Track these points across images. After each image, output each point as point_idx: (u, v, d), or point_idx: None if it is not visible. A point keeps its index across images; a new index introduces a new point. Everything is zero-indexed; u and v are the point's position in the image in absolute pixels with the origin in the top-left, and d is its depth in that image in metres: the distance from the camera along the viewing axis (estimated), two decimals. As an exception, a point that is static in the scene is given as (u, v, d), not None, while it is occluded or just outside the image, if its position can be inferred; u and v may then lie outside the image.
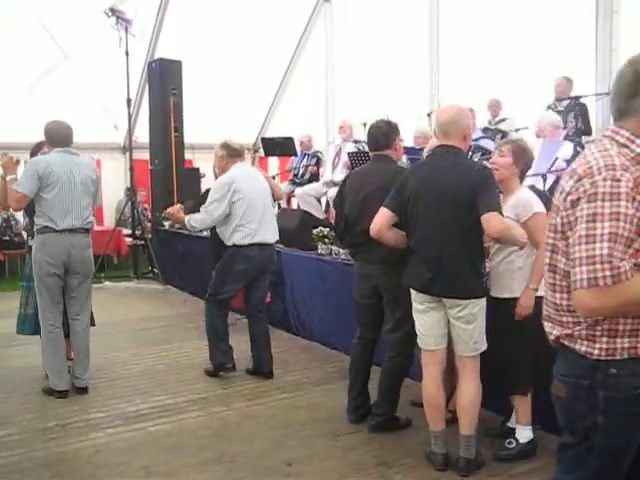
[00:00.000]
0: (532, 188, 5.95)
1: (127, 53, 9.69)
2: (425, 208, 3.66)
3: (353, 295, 4.59)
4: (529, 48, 8.74)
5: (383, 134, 4.36)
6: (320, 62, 12.60)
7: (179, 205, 5.91)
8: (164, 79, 10.10)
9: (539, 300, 3.68)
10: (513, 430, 4.08)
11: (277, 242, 5.66)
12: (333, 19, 12.42)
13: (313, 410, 4.76)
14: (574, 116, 6.92)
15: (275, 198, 5.81)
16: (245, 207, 5.25)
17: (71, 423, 4.54)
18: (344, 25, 12.12)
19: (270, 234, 5.44)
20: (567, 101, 6.94)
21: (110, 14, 9.48)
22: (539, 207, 3.77)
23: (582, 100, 5.99)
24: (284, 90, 13.42)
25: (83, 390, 5.11)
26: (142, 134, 11.08)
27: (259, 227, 5.31)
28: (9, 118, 10.24)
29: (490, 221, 3.45)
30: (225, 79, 11.75)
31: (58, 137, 5.00)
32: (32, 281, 5.07)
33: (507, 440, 3.95)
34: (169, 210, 5.78)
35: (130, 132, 10.73)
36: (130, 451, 4.10)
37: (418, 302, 3.79)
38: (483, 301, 3.67)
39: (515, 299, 3.76)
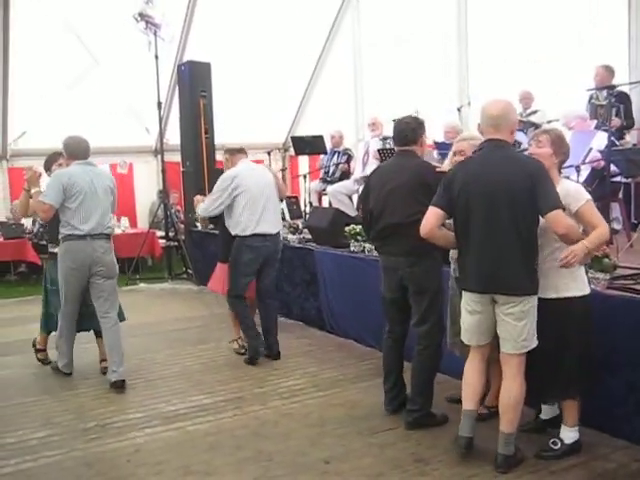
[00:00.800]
0: (563, 180, 5.91)
1: (157, 57, 9.78)
2: (477, 204, 3.60)
3: (380, 290, 4.60)
4: (559, 39, 8.64)
5: (411, 129, 4.36)
6: (348, 59, 12.58)
7: (200, 196, 6.37)
8: (193, 81, 10.17)
9: (585, 299, 3.68)
10: (548, 423, 4.07)
11: (278, 233, 6.03)
12: (360, 15, 12.39)
13: (349, 407, 4.76)
14: (616, 113, 6.77)
15: (280, 197, 6.21)
16: (247, 200, 5.70)
17: (110, 423, 4.60)
18: (372, 21, 12.08)
19: (271, 225, 5.86)
20: (605, 93, 6.76)
21: (139, 19, 9.58)
22: (587, 195, 3.69)
23: (619, 89, 5.85)
24: (313, 88, 13.43)
25: (121, 384, 5.28)
26: (173, 136, 11.18)
27: (260, 219, 5.75)
28: (42, 125, 10.44)
29: (557, 219, 3.44)
30: (254, 79, 11.82)
31: (78, 151, 5.32)
32: (55, 284, 5.51)
33: (551, 440, 3.87)
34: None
35: (161, 135, 10.84)
36: (169, 450, 4.14)
37: (468, 302, 3.76)
38: (535, 298, 3.61)
39: (562, 299, 3.67)
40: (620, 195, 6.53)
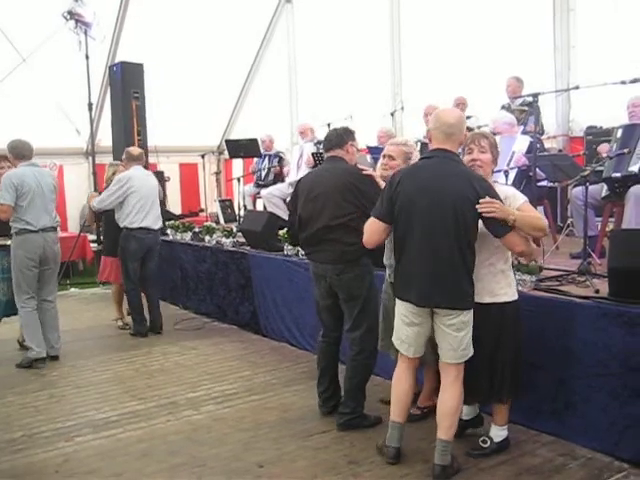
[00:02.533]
0: (494, 183, 6.07)
1: (87, 57, 9.59)
2: (421, 216, 3.54)
3: (314, 294, 4.63)
4: (488, 46, 8.87)
5: (337, 135, 4.42)
6: (283, 63, 12.60)
7: (95, 192, 7.60)
8: (126, 82, 10.00)
9: (517, 304, 3.76)
10: (469, 423, 4.12)
11: (161, 229, 7.33)
12: (295, 19, 12.43)
13: (283, 411, 4.76)
14: (534, 120, 7.02)
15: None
16: (137, 199, 6.79)
17: (38, 433, 4.47)
18: (306, 25, 12.14)
19: (154, 222, 6.97)
20: (521, 100, 7.02)
21: (68, 17, 9.37)
22: (524, 196, 3.75)
23: (541, 97, 6.06)
24: (248, 91, 13.40)
25: (56, 358, 6.02)
26: (105, 138, 10.98)
27: (146, 216, 6.86)
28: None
29: (513, 240, 3.52)
30: (188, 81, 11.70)
31: (24, 152, 5.88)
32: (6, 273, 6.08)
33: (481, 439, 3.95)
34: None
35: (92, 136, 10.62)
36: (100, 459, 4.05)
37: (406, 314, 3.70)
38: (472, 309, 3.64)
39: (498, 304, 3.70)
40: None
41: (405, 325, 3.71)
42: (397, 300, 3.75)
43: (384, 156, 4.33)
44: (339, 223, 4.19)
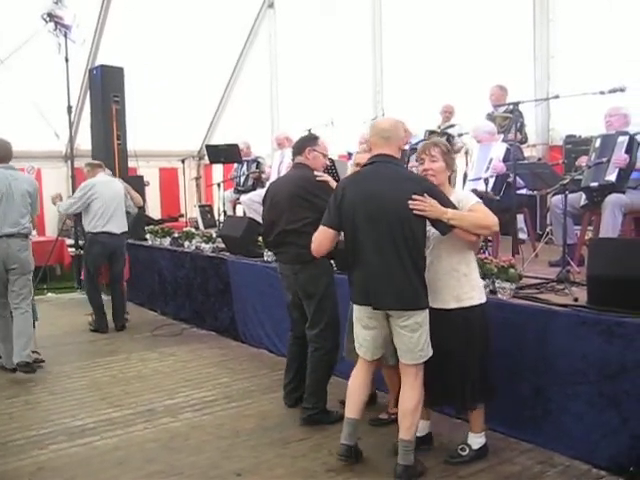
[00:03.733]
0: (475, 192, 6.10)
1: (67, 59, 9.46)
2: (367, 221, 3.60)
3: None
4: (469, 55, 8.94)
5: (297, 142, 4.66)
6: (264, 68, 12.61)
7: (57, 194, 7.66)
8: (105, 86, 9.92)
9: (484, 307, 3.76)
10: (423, 439, 4.03)
11: (124, 233, 7.48)
12: (277, 25, 12.44)
13: (261, 418, 4.72)
14: (518, 127, 7.07)
15: (135, 205, 7.71)
16: (100, 205, 7.14)
17: (12, 441, 4.40)
18: (288, 31, 12.16)
19: (116, 227, 7.27)
20: (504, 107, 7.07)
21: (48, 19, 9.25)
22: (477, 198, 3.81)
23: (521, 106, 6.11)
24: (229, 97, 13.39)
25: (24, 364, 5.66)
26: (84, 142, 10.88)
27: (108, 221, 7.18)
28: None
29: (461, 236, 3.61)
30: (169, 86, 11.67)
31: (1, 154, 5.69)
32: None
33: (459, 446, 3.95)
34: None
35: (72, 140, 10.53)
36: (75, 467, 3.99)
37: (360, 317, 3.76)
38: (427, 310, 3.66)
39: (464, 309, 3.72)
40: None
41: (362, 328, 3.79)
42: (354, 305, 3.83)
43: (357, 164, 4.45)
44: (293, 228, 4.43)
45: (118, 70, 10.08)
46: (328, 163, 5.02)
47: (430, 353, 3.68)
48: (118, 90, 10.02)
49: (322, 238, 3.83)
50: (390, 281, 3.57)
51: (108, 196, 7.20)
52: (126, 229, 7.51)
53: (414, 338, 3.61)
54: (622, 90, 4.93)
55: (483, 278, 4.43)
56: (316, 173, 4.50)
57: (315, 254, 3.92)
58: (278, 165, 9.01)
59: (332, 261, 4.69)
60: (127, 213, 7.51)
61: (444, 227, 3.56)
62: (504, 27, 8.72)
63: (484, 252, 5.52)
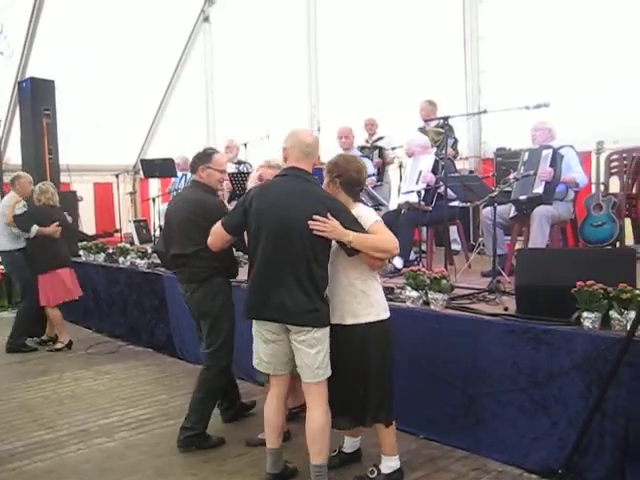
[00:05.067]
0: (407, 204, 6.22)
1: (-6, 72, 9.26)
2: (269, 233, 3.53)
3: None
4: (403, 70, 9.12)
5: (193, 160, 4.55)
6: (201, 82, 12.57)
7: None
8: (36, 99, 9.71)
9: (384, 324, 3.67)
10: (349, 456, 4.04)
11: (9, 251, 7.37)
12: (212, 39, 12.43)
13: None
14: (452, 144, 7.25)
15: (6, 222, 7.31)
16: None
17: (-63, 468, 4.25)
18: (224, 45, 12.16)
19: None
20: (435, 122, 7.23)
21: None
22: (377, 216, 3.71)
23: (454, 119, 6.25)
24: (164, 110, 13.28)
25: None
26: (15, 156, 10.61)
27: None
28: None
29: (365, 259, 3.54)
30: (104, 100, 11.51)
31: None
32: None
33: (370, 468, 3.85)
34: None
35: (0, 154, 10.24)
36: (3, 493, 3.88)
37: (262, 332, 3.65)
38: (327, 328, 3.57)
39: (360, 325, 3.60)
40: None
41: (262, 342, 3.68)
42: (253, 320, 3.69)
43: (260, 179, 4.40)
44: (186, 253, 4.35)
45: (49, 83, 9.88)
46: (226, 178, 4.92)
47: (329, 373, 3.58)
48: (49, 103, 9.82)
49: (216, 236, 3.84)
50: (288, 296, 3.47)
51: None
52: (8, 247, 7.32)
53: (311, 354, 3.51)
54: (546, 105, 5.10)
55: (416, 289, 4.53)
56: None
57: (210, 247, 3.92)
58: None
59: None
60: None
61: (350, 250, 3.49)
62: (436, 43, 8.94)
63: (418, 264, 5.63)
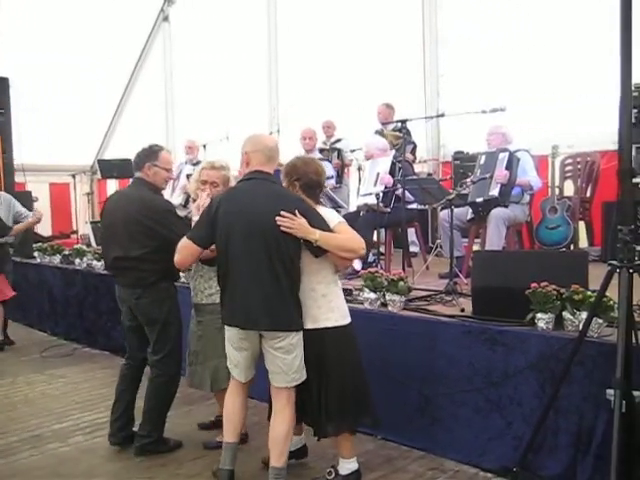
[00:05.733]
0: (366, 206, 6.26)
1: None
2: (243, 239, 3.48)
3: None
4: (363, 73, 9.18)
5: (137, 156, 4.33)
6: (159, 82, 12.46)
7: None
8: (-11, 97, 9.50)
9: (346, 329, 3.65)
10: (294, 453, 3.96)
11: None
12: (172, 39, 12.34)
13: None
14: (412, 149, 7.32)
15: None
16: None
17: None
18: (183, 45, 12.08)
19: None
20: (392, 125, 7.28)
21: None
22: (340, 217, 3.73)
23: (413, 123, 6.29)
24: (123, 110, 13.12)
25: None
26: (-34, 156, 10.35)
27: None
28: None
29: (333, 259, 3.54)
30: (60, 99, 11.33)
31: None
32: None
33: (328, 469, 3.85)
34: None
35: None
36: (-48, 501, 3.78)
37: (234, 340, 3.62)
38: (301, 331, 3.57)
39: (319, 330, 3.57)
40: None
41: (235, 350, 3.65)
42: (225, 326, 3.66)
43: (204, 182, 4.19)
44: (132, 256, 4.17)
45: (3, 80, 9.64)
46: (172, 177, 4.78)
47: (304, 377, 3.57)
48: (3, 101, 9.59)
49: (187, 253, 3.65)
50: (264, 301, 3.45)
51: None
52: None
53: (288, 360, 3.50)
54: (502, 110, 5.18)
55: (374, 291, 4.55)
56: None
57: (178, 266, 3.77)
58: (173, 181, 8.89)
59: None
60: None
61: (316, 250, 3.47)
62: (396, 46, 9.02)
63: (376, 266, 5.66)
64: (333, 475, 3.78)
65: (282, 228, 3.41)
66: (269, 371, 3.59)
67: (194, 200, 4.36)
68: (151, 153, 4.30)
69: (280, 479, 3.56)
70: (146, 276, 4.15)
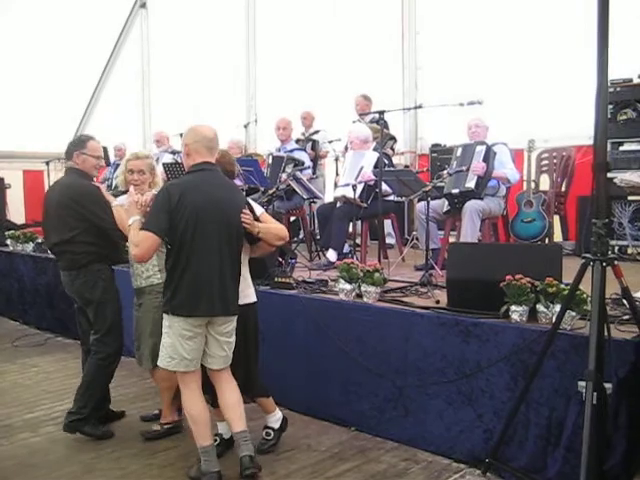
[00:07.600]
0: (344, 197, 6.24)
1: None
2: (211, 227, 3.54)
3: None
4: (341, 65, 9.16)
5: (67, 147, 4.54)
6: (136, 69, 12.34)
7: None
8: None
9: (255, 307, 3.94)
10: (230, 442, 4.05)
11: None
12: (149, 25, 12.21)
13: (128, 429, 4.58)
14: (391, 146, 7.31)
15: None
16: None
17: None
18: (161, 32, 11.96)
19: None
20: (370, 117, 7.26)
21: None
22: (262, 209, 4.00)
23: (390, 115, 6.29)
24: (99, 97, 12.97)
25: None
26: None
27: None
28: None
29: (264, 247, 3.89)
30: (34, 84, 11.14)
31: None
32: None
33: (264, 432, 4.09)
34: None
35: None
36: None
37: (189, 329, 3.57)
38: None
39: (243, 305, 3.78)
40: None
41: (187, 340, 3.59)
42: (175, 317, 3.58)
43: (131, 171, 4.33)
44: (64, 239, 4.35)
45: (-25, 65, 9.53)
46: (102, 164, 4.79)
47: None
48: (-25, 87, 9.47)
49: (149, 245, 3.51)
50: (224, 288, 3.59)
51: None
52: None
53: (231, 343, 3.71)
54: (480, 103, 5.21)
55: (349, 282, 4.56)
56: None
57: (141, 260, 3.71)
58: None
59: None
60: None
61: (252, 238, 3.73)
62: (374, 38, 9.02)
63: (351, 257, 5.66)
64: (271, 433, 4.11)
65: (244, 223, 3.64)
66: (210, 356, 3.69)
67: (123, 192, 4.53)
68: (79, 142, 4.55)
69: (248, 440, 3.69)
70: (79, 258, 4.32)
